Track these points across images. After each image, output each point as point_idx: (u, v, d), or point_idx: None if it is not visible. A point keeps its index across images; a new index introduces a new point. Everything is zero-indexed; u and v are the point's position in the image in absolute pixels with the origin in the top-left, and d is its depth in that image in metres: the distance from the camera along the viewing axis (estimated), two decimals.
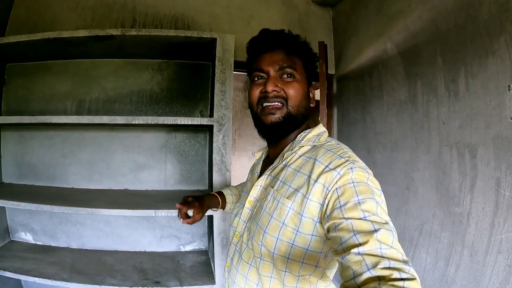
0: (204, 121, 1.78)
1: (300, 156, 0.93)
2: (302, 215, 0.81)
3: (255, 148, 4.53)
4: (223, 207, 1.36)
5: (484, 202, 1.40)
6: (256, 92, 0.97)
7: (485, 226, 1.39)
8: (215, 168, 1.78)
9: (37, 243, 2.19)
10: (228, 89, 1.80)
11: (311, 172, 0.84)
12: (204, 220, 2.21)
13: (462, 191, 1.51)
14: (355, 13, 2.39)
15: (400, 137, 1.92)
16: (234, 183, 1.94)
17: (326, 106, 2.40)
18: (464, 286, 1.47)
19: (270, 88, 0.93)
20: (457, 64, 1.52)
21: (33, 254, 2.01)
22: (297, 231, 0.82)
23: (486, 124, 1.38)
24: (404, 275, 0.55)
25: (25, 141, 2.20)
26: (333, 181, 0.78)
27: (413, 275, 0.56)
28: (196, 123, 1.77)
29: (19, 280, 2.12)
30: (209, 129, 2.10)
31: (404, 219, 1.86)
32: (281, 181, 0.91)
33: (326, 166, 0.82)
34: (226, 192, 1.38)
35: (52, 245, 2.18)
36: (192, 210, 1.23)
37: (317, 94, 2.42)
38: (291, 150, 0.95)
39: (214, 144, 1.77)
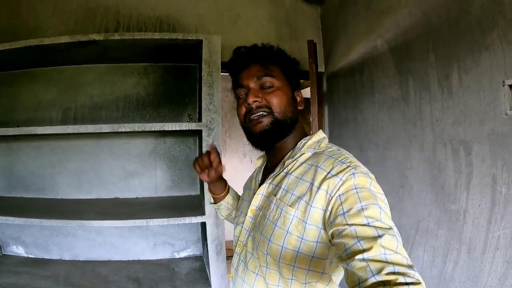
0: (193, 126, 1.75)
1: (302, 164, 0.92)
2: (306, 223, 0.81)
3: (246, 149, 4.50)
4: (217, 200, 1.31)
5: (481, 199, 1.37)
6: (242, 109, 0.98)
7: (482, 223, 1.36)
8: None
9: (29, 256, 2.16)
10: (216, 92, 1.76)
11: (313, 179, 0.84)
12: (197, 226, 2.18)
13: (458, 188, 1.48)
14: (343, 10, 2.34)
15: (393, 135, 1.88)
16: None
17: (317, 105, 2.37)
18: (462, 283, 1.45)
19: (251, 99, 0.94)
20: (449, 59, 1.48)
21: (26, 268, 1.97)
22: (302, 238, 0.82)
23: (480, 121, 1.35)
24: (409, 280, 0.56)
25: (12, 152, 2.15)
26: (335, 187, 0.78)
27: (418, 280, 0.57)
28: (184, 128, 1.74)
29: None
30: (198, 133, 2.05)
31: (399, 218, 1.84)
32: (283, 189, 0.90)
33: (328, 173, 0.81)
34: (231, 192, 1.33)
35: (45, 257, 2.14)
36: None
37: (307, 93, 2.40)
38: (292, 158, 0.94)
39: (204, 150, 1.73)
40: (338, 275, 0.90)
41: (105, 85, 2.17)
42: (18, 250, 2.16)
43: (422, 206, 1.69)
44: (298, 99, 1.04)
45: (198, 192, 2.18)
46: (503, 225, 1.27)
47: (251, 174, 1.26)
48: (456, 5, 1.44)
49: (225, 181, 1.29)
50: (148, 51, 1.97)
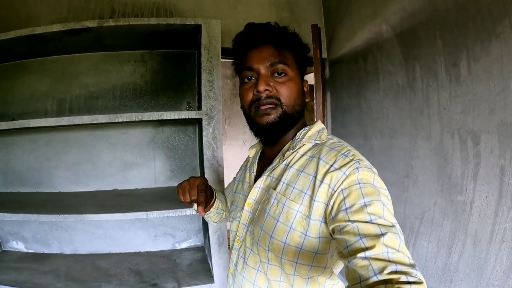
0: (192, 114, 1.69)
1: (302, 156, 0.89)
2: (310, 218, 0.79)
3: (246, 136, 4.46)
4: (206, 210, 1.17)
5: (488, 191, 1.35)
6: (249, 95, 0.91)
7: (489, 215, 1.34)
8: (206, 164, 1.70)
9: (29, 251, 2.14)
10: (216, 78, 1.71)
11: (316, 172, 0.81)
12: (198, 217, 2.16)
13: (465, 179, 1.45)
14: None
15: (399, 123, 1.85)
16: (226, 174, 1.87)
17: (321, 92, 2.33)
18: (467, 274, 1.44)
19: (261, 87, 0.87)
20: (458, 47, 1.44)
21: (26, 264, 1.95)
22: (305, 235, 0.80)
23: (489, 110, 1.31)
24: (411, 279, 0.55)
25: (7, 146, 2.11)
26: (338, 182, 0.76)
27: (420, 279, 0.56)
28: (183, 117, 1.69)
29: None
30: (198, 121, 2.01)
31: (404, 207, 1.82)
32: (283, 182, 0.87)
33: (331, 166, 0.79)
34: (218, 195, 1.22)
35: (45, 252, 2.12)
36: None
37: (310, 79, 2.35)
38: (292, 149, 0.91)
39: (204, 139, 1.69)
40: (339, 267, 0.89)
41: (101, 74, 2.11)
42: (18, 246, 2.13)
43: (427, 196, 1.67)
44: (305, 89, 0.98)
45: None
46: (510, 217, 1.26)
47: (242, 164, 1.22)
48: None
49: (210, 188, 1.17)
50: (145, 38, 1.90)
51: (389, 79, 1.90)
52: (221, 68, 1.73)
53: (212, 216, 1.22)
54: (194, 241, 2.21)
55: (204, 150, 1.70)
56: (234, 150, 4.47)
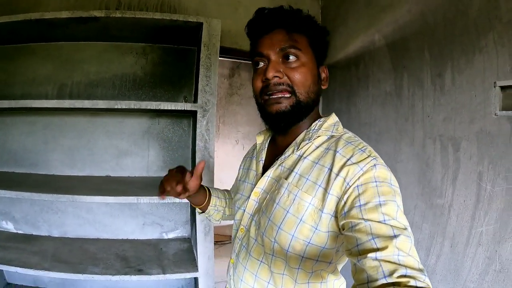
0: (188, 106, 1.76)
1: (317, 147, 0.86)
2: (322, 212, 0.77)
3: (239, 135, 4.51)
4: (204, 209, 1.19)
5: (466, 195, 1.41)
6: (258, 82, 0.88)
7: (466, 219, 1.40)
8: (198, 155, 1.75)
9: (18, 232, 2.15)
10: (213, 74, 1.78)
11: (332, 165, 0.79)
12: (187, 208, 2.20)
13: (444, 184, 1.51)
14: (344, 4, 2.36)
15: (384, 128, 1.92)
16: (217, 170, 1.91)
17: None
18: (444, 276, 1.49)
19: (270, 74, 0.83)
20: (444, 58, 1.51)
21: (14, 244, 1.97)
22: (316, 228, 0.78)
23: (470, 119, 1.38)
24: (419, 284, 0.55)
25: (6, 127, 2.13)
26: (355, 177, 0.74)
27: (428, 285, 0.56)
28: (179, 108, 1.75)
29: (1, 270, 2.08)
30: (192, 115, 2.06)
31: None
32: (296, 173, 0.84)
33: (348, 159, 0.77)
34: (213, 192, 1.20)
35: (34, 233, 2.14)
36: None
37: None
38: (308, 140, 0.87)
39: (198, 130, 1.74)
40: (342, 263, 0.88)
41: (103, 63, 2.15)
42: (8, 226, 2.15)
43: (408, 200, 1.72)
44: (323, 75, 0.93)
45: None
46: (486, 221, 1.31)
47: (248, 151, 1.17)
48: (453, 6, 1.47)
49: (202, 186, 1.12)
50: (148, 31, 1.96)
51: (378, 87, 1.98)
52: (218, 66, 1.80)
53: (213, 214, 1.20)
54: (181, 231, 2.24)
55: (197, 141, 1.75)
56: (227, 148, 4.53)
